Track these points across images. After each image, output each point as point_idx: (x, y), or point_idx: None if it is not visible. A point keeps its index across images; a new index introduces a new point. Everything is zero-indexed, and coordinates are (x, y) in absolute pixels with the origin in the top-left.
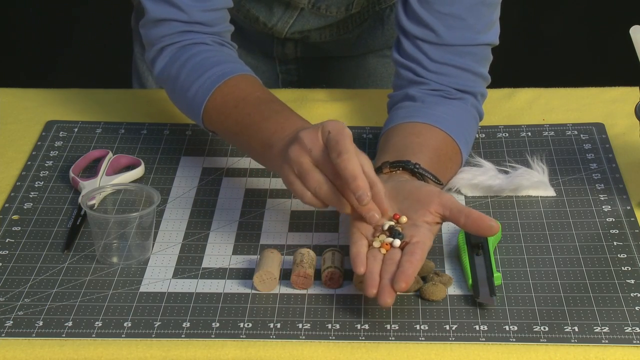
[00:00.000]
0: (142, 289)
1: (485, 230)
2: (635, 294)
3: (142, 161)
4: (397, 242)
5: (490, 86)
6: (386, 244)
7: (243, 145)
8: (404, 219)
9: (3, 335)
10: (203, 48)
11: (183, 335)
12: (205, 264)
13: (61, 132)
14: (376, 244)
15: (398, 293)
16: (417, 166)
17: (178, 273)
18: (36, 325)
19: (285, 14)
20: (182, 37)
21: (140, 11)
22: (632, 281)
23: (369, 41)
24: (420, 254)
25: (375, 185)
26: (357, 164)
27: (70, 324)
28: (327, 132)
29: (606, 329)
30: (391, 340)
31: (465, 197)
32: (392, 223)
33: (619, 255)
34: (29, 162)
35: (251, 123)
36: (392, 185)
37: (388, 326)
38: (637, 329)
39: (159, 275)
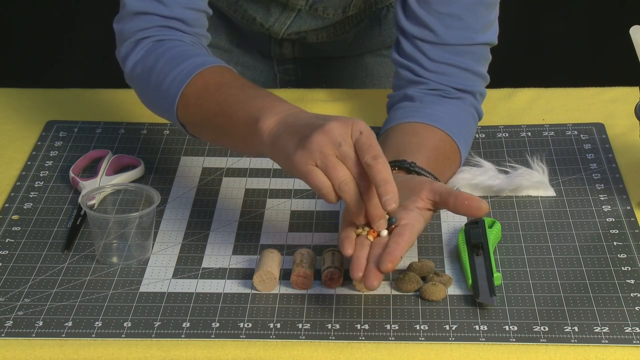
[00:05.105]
0: (142, 289)
1: (475, 210)
2: (635, 294)
3: (142, 161)
4: (384, 232)
5: (490, 86)
6: (373, 232)
7: (222, 126)
8: None
9: (3, 335)
10: (181, 43)
11: (183, 335)
12: (205, 264)
13: (61, 132)
14: (363, 232)
15: (398, 292)
16: (413, 165)
17: (178, 273)
18: (36, 325)
19: (283, 15)
20: (160, 31)
21: None
22: (632, 281)
23: (366, 41)
24: (409, 235)
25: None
26: (390, 170)
27: (70, 324)
28: (359, 132)
29: (606, 329)
30: (391, 340)
31: None
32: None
33: (619, 255)
34: (29, 162)
35: (235, 102)
36: None
37: (388, 326)
38: (637, 329)
39: (159, 275)
